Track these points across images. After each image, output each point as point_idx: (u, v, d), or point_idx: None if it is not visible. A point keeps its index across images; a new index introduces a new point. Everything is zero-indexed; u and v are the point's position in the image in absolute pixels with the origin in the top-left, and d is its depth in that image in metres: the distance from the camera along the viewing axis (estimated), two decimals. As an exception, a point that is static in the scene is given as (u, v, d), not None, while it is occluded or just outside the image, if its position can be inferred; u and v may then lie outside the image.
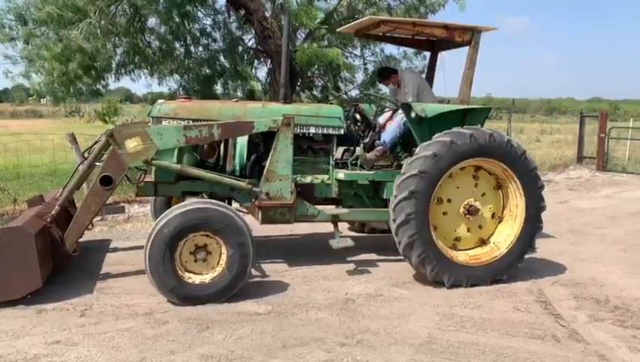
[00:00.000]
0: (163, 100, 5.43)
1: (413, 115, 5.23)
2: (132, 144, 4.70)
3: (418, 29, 5.68)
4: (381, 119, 6.04)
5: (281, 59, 5.49)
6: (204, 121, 5.03)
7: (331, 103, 11.24)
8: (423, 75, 6.59)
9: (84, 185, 5.62)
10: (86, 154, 5.35)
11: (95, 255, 5.90)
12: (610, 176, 13.58)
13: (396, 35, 6.39)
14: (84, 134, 8.88)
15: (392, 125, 5.75)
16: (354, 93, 13.11)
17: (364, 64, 12.98)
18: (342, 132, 5.50)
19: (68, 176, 5.46)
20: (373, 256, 6.08)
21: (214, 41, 12.50)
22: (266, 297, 4.69)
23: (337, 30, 7.65)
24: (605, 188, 11.66)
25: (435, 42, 6.41)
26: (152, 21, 11.29)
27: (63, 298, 4.56)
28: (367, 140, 5.82)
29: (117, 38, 10.88)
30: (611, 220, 8.39)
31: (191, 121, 5.02)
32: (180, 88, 12.25)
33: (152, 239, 4.33)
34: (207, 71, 12.15)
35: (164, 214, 4.45)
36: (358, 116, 6.05)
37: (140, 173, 5.17)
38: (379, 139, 5.77)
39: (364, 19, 5.95)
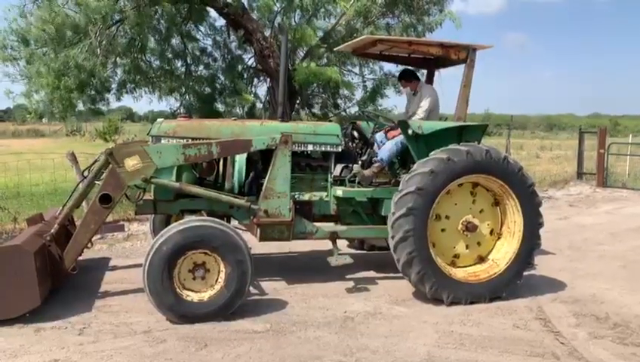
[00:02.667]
0: (162, 119, 5.48)
1: (410, 132, 5.27)
2: (131, 162, 4.74)
3: (414, 47, 5.75)
4: (378, 136, 6.08)
5: (280, 78, 5.54)
6: (202, 139, 5.08)
7: (330, 121, 11.31)
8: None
9: (83, 203, 5.64)
10: (86, 173, 5.38)
11: (94, 273, 5.90)
12: (611, 192, 13.58)
13: (393, 54, 6.46)
14: (84, 153, 8.93)
15: (389, 142, 5.79)
16: (353, 110, 13.19)
17: (363, 81, 13.09)
18: (340, 149, 5.53)
19: (68, 194, 5.48)
20: (372, 274, 6.07)
21: (214, 60, 12.66)
22: (265, 315, 4.68)
23: (335, 49, 7.73)
24: (605, 205, 11.65)
25: (431, 60, 6.48)
26: (153, 40, 11.44)
27: (62, 316, 4.55)
28: (364, 157, 5.86)
29: (118, 58, 11.01)
30: (611, 236, 8.37)
31: (190, 140, 5.07)
32: (181, 107, 12.36)
33: (150, 257, 4.33)
34: (207, 89, 12.27)
35: (162, 232, 4.47)
36: (355, 133, 6.10)
37: (139, 192, 5.19)
38: (376, 156, 5.80)
39: (360, 38, 6.02)
